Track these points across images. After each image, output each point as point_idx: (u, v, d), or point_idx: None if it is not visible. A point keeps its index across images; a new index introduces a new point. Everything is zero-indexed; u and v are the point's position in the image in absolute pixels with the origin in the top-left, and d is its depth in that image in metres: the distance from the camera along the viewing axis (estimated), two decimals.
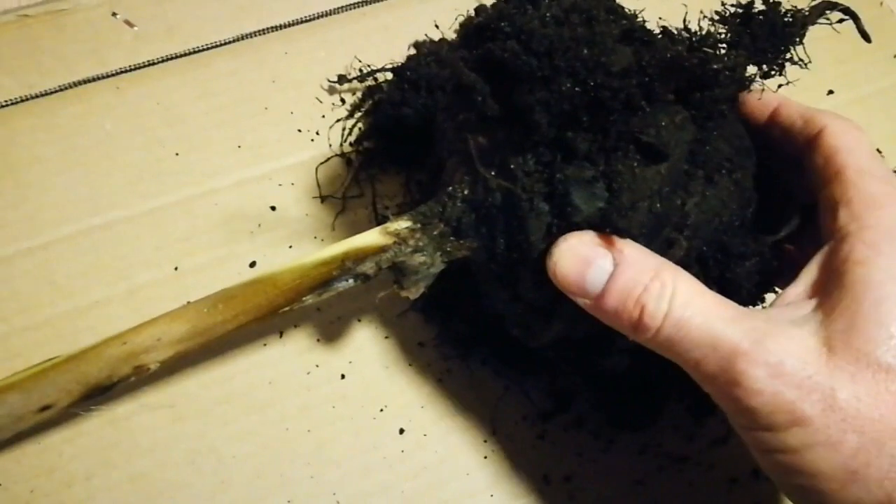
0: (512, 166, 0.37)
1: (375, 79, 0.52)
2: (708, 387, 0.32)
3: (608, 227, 0.35)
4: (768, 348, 0.29)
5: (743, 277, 0.39)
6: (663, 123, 0.36)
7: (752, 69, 0.37)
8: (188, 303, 0.38)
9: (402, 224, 0.39)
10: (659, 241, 0.36)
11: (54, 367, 0.37)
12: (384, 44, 0.54)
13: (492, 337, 0.46)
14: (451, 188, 0.39)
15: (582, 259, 0.33)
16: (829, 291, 0.31)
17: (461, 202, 0.39)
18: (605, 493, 0.45)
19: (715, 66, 0.35)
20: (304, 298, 0.39)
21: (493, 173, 0.38)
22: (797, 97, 0.38)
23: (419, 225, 0.39)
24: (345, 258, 0.39)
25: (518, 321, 0.41)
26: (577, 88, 0.35)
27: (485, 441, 0.45)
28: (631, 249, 0.33)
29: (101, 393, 0.37)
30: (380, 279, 0.39)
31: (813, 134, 0.36)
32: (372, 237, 0.39)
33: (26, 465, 0.41)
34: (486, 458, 0.45)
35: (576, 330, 0.39)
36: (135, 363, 0.37)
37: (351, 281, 0.39)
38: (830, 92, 0.59)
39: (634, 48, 0.35)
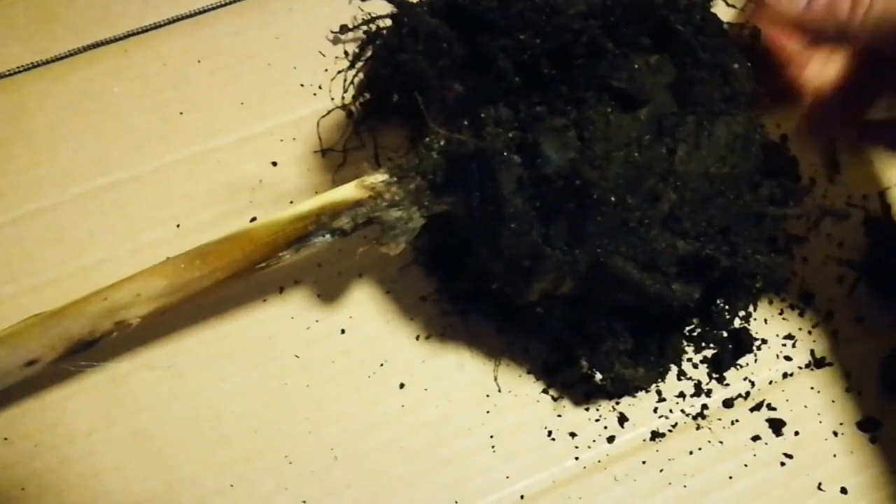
0: (483, 115, 0.36)
1: (378, 27, 0.50)
2: None
3: (579, 178, 0.33)
4: None
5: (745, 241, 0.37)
6: (636, 66, 0.34)
7: None
8: (167, 258, 0.38)
9: (378, 178, 0.38)
10: (642, 194, 0.34)
11: (38, 322, 0.37)
12: None
13: (493, 292, 0.44)
14: (427, 139, 0.38)
15: None
16: None
17: (437, 154, 0.37)
18: (614, 450, 0.43)
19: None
20: (280, 254, 0.38)
21: (465, 123, 0.37)
22: None
23: (395, 178, 0.38)
24: (320, 213, 0.38)
25: (502, 278, 0.39)
26: (538, 33, 0.33)
27: (487, 396, 0.44)
28: None
29: (86, 348, 0.38)
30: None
31: None
32: (348, 191, 0.38)
33: (31, 420, 0.42)
34: (488, 412, 0.44)
35: (559, 287, 0.37)
36: (115, 318, 0.37)
37: (328, 236, 0.38)
38: None
39: None
